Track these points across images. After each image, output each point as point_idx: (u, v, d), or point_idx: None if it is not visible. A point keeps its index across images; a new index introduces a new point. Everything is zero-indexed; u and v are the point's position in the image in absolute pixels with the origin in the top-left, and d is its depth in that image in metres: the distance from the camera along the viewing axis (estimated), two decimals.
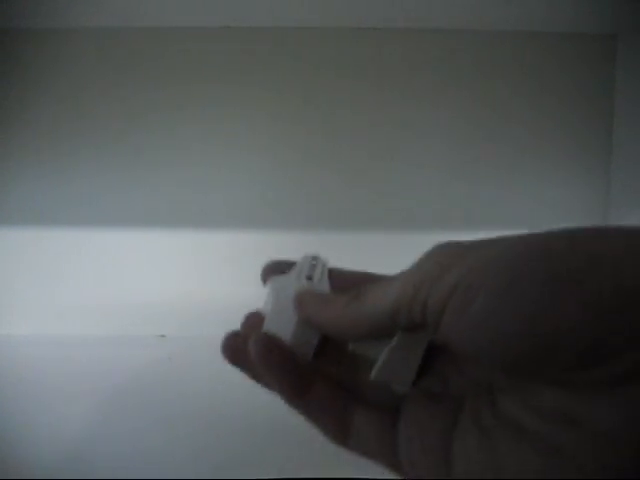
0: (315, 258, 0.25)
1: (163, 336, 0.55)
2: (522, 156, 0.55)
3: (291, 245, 0.56)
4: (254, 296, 0.55)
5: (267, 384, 0.23)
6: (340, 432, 0.22)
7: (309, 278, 0.24)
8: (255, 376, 0.23)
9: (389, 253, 0.56)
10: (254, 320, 0.24)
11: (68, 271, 0.56)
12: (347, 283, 0.24)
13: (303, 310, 0.23)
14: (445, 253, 0.19)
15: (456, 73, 0.54)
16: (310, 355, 0.23)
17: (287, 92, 0.54)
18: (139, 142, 0.55)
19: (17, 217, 0.55)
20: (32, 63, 0.53)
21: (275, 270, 0.25)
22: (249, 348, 0.22)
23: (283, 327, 0.23)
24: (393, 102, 0.54)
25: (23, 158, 0.55)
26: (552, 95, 0.54)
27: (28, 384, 0.45)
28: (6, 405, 0.41)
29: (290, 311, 0.23)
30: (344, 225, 0.56)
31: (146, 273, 0.56)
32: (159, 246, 0.56)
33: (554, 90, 0.54)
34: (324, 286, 0.24)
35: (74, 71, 0.54)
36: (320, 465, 0.30)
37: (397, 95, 0.54)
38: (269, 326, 0.23)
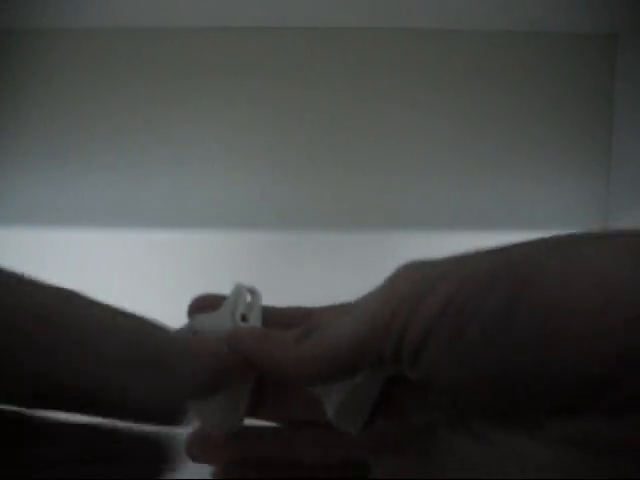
0: (252, 291, 0.21)
1: None
2: (521, 156, 0.55)
3: (292, 245, 0.56)
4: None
5: None
6: None
7: (244, 319, 0.20)
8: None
9: (389, 253, 0.56)
10: None
11: (68, 271, 0.56)
12: (282, 323, 0.20)
13: (239, 347, 0.18)
14: (417, 274, 0.16)
15: (455, 73, 0.54)
16: (242, 412, 0.19)
17: (287, 92, 0.54)
18: (139, 142, 0.55)
19: (17, 217, 0.55)
20: (32, 63, 0.53)
21: (204, 307, 0.21)
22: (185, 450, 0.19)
23: None
24: (393, 102, 0.54)
25: (23, 158, 0.55)
26: (552, 95, 0.54)
27: None
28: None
29: None
30: (343, 225, 0.56)
31: (146, 273, 0.56)
32: (159, 246, 0.56)
33: (554, 90, 0.54)
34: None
35: (74, 71, 0.54)
36: None
37: (397, 95, 0.54)
38: None
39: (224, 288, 0.55)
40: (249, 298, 0.21)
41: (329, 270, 0.56)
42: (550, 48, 0.54)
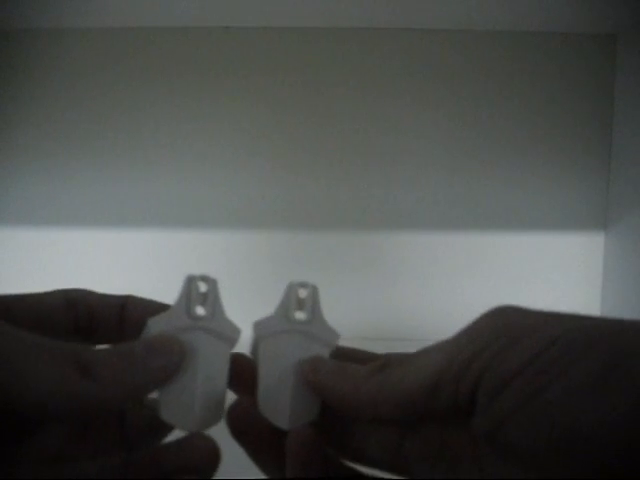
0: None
1: None
2: (522, 156, 0.55)
3: (292, 245, 0.56)
4: (256, 295, 0.56)
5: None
6: None
7: (300, 317, 0.20)
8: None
9: (389, 253, 0.56)
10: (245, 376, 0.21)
11: (67, 271, 0.56)
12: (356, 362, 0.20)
13: (311, 375, 0.19)
14: (505, 321, 0.16)
15: (456, 73, 0.54)
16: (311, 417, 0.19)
17: (286, 92, 0.54)
18: (139, 142, 0.55)
19: (17, 217, 0.55)
20: (32, 63, 0.53)
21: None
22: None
23: (278, 391, 0.19)
24: (393, 102, 0.54)
25: (23, 158, 0.55)
26: (552, 95, 0.54)
27: None
28: None
29: (286, 373, 0.19)
30: (343, 225, 0.56)
31: (146, 273, 0.56)
32: (159, 246, 0.56)
33: (554, 90, 0.54)
34: (321, 325, 0.20)
35: (74, 71, 0.54)
36: None
37: (397, 95, 0.54)
38: (263, 394, 0.19)
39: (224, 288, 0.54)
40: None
41: (330, 270, 0.56)
42: (550, 48, 0.54)
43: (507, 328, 0.15)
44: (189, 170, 0.55)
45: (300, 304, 0.20)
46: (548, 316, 0.15)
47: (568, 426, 0.13)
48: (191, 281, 0.20)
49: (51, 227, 0.55)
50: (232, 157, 0.55)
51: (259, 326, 0.20)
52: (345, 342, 0.23)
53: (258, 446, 0.20)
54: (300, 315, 0.20)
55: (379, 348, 0.21)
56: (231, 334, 0.20)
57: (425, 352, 0.17)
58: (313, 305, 0.20)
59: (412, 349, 0.18)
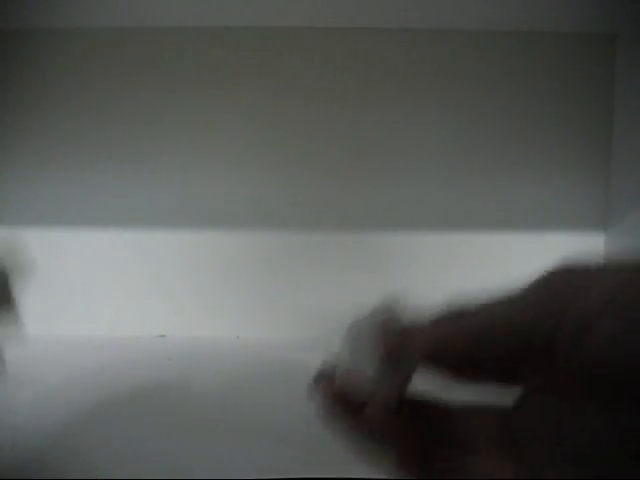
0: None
1: (163, 336, 0.55)
2: (522, 156, 0.55)
3: (292, 245, 0.56)
4: (255, 296, 0.55)
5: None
6: None
7: None
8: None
9: (388, 253, 0.56)
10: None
11: (68, 271, 0.56)
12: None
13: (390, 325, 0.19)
14: (571, 273, 0.17)
15: (456, 73, 0.54)
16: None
17: (287, 92, 0.54)
18: (139, 141, 0.55)
19: (17, 217, 0.55)
20: (32, 63, 0.53)
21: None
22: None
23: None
24: (393, 102, 0.54)
25: (23, 158, 0.55)
26: (552, 95, 0.54)
27: (28, 384, 0.45)
28: (6, 405, 0.41)
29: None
30: (343, 225, 0.56)
31: (146, 273, 0.56)
32: (159, 246, 0.56)
33: (554, 90, 0.54)
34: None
35: (74, 71, 0.54)
36: (320, 465, 0.30)
37: (397, 95, 0.54)
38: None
39: (224, 287, 0.54)
40: None
41: (332, 270, 0.56)
42: (550, 48, 0.54)
43: (576, 277, 0.16)
44: (190, 170, 0.55)
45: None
46: (604, 265, 0.17)
47: None
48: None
49: (51, 227, 0.55)
50: (232, 157, 0.55)
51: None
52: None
53: (341, 414, 0.20)
54: None
55: None
56: None
57: (495, 302, 0.17)
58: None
59: None
